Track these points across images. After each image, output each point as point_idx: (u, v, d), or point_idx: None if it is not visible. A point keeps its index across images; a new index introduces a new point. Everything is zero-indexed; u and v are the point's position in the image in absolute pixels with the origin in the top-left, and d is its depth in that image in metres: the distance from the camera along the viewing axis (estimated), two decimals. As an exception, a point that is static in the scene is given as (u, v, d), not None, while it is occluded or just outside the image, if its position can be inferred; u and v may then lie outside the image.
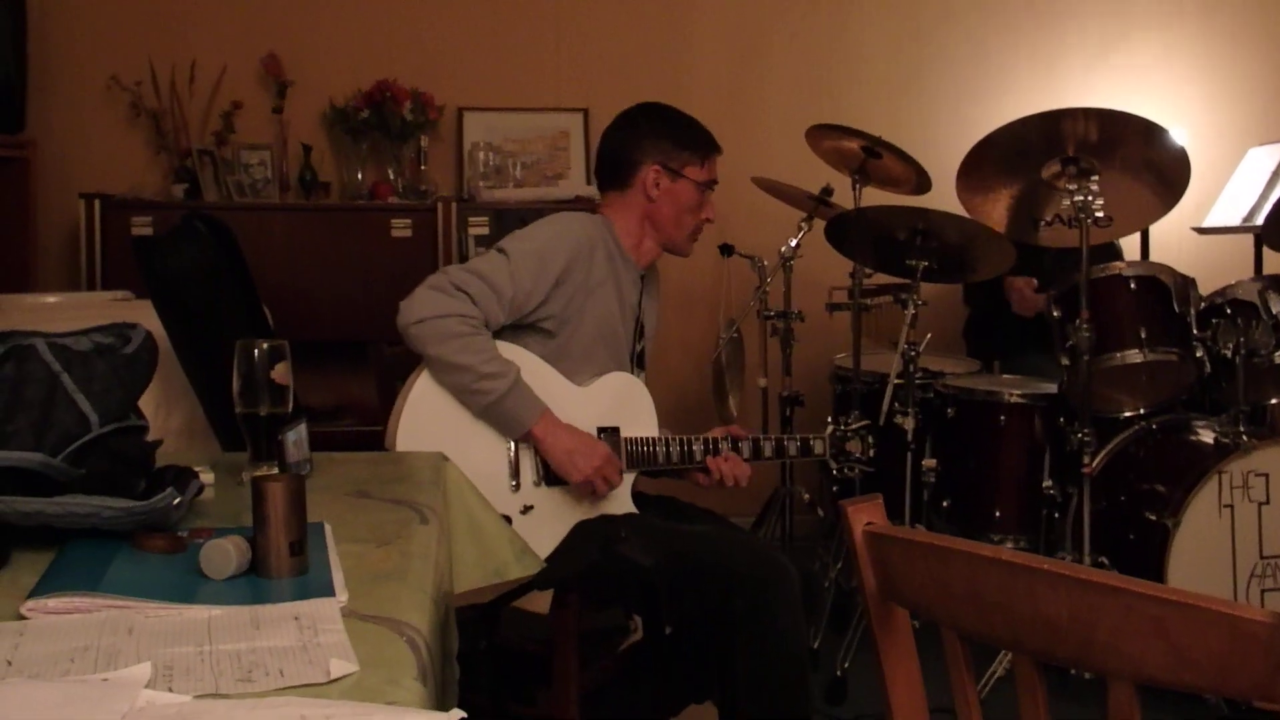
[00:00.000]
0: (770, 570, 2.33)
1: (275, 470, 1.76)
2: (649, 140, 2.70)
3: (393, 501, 1.76)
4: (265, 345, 1.77)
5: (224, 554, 1.32)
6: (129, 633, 1.14)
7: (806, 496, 4.17)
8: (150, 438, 1.62)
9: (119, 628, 1.15)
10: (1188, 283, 3.23)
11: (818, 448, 2.79)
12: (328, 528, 1.55)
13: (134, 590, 1.25)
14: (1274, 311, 3.10)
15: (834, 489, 3.85)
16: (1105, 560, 3.08)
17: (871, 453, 2.82)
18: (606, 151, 2.76)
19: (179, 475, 1.60)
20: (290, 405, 1.80)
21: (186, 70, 4.50)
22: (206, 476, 1.79)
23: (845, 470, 2.83)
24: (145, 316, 2.22)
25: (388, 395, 2.60)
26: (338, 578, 1.33)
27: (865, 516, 1.11)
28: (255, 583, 1.32)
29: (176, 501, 1.47)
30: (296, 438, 1.85)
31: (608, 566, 2.32)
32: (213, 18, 4.61)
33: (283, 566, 1.33)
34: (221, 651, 1.10)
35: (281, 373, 1.78)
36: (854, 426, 2.81)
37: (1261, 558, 3.00)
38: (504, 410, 2.44)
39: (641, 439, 2.63)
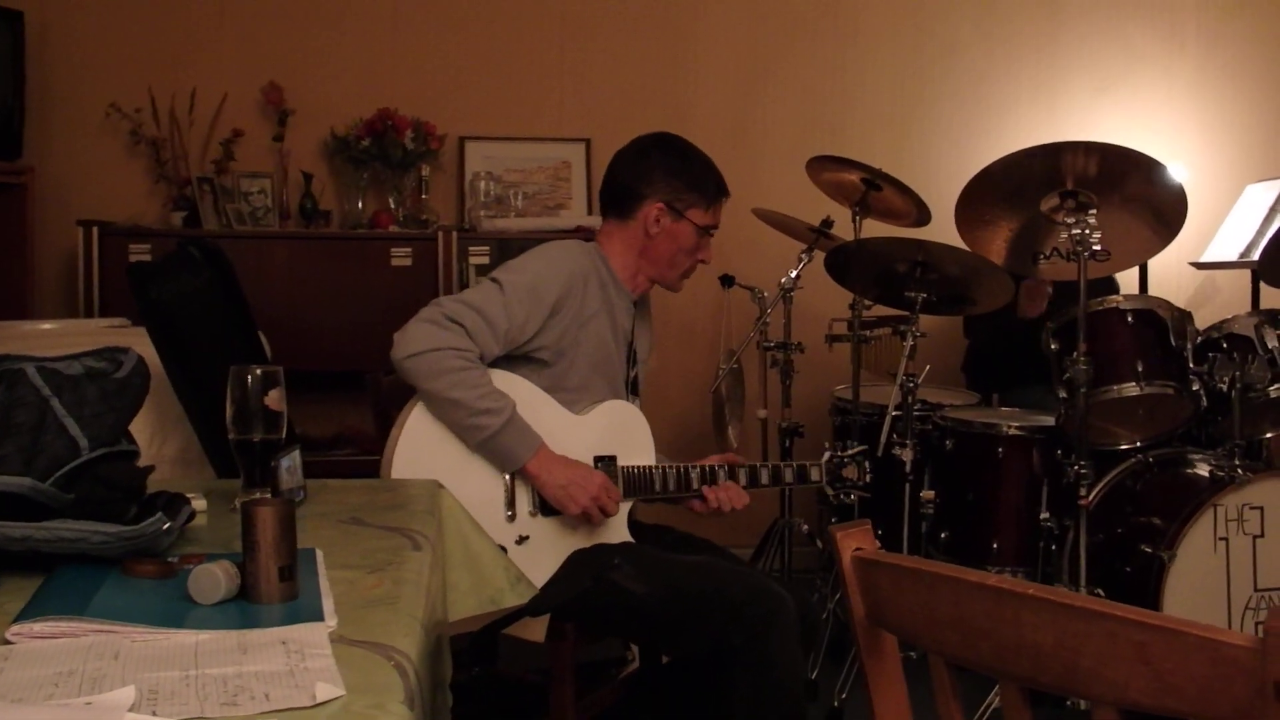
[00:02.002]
0: (767, 601, 2.32)
1: (268, 496, 1.76)
2: (659, 176, 2.67)
3: (386, 529, 1.76)
4: (259, 371, 1.77)
5: (213, 579, 1.32)
6: (115, 658, 1.14)
7: (805, 528, 4.16)
8: (144, 465, 1.62)
9: (105, 653, 1.15)
10: (1184, 317, 3.23)
11: (814, 474, 2.78)
12: (319, 554, 1.55)
13: (121, 615, 1.25)
14: (1270, 346, 3.10)
15: (833, 520, 3.84)
16: (1101, 592, 3.07)
17: (868, 478, 2.82)
18: (614, 178, 2.73)
19: (170, 501, 1.60)
20: (284, 432, 1.80)
21: (186, 98, 4.52)
22: (199, 503, 1.79)
23: (842, 496, 2.82)
24: (141, 343, 2.23)
25: (384, 424, 2.60)
26: (328, 604, 1.33)
27: (854, 542, 1.11)
28: (244, 608, 1.32)
29: (166, 527, 1.46)
30: (290, 464, 1.86)
31: (600, 594, 2.31)
32: (213, 46, 4.63)
33: (272, 592, 1.33)
34: (208, 676, 1.10)
35: (275, 399, 1.78)
36: (851, 453, 2.81)
37: (1256, 590, 2.99)
38: (498, 446, 2.43)
39: (638, 467, 2.62)
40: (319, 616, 1.28)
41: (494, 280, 2.52)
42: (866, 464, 2.82)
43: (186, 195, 4.47)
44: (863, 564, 1.10)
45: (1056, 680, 0.92)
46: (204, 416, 2.33)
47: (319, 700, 1.04)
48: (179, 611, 1.30)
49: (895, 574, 1.06)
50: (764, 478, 2.71)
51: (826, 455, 2.82)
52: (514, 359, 2.54)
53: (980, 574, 0.97)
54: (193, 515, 1.66)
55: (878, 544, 3.32)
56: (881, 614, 1.09)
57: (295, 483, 1.88)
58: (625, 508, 2.61)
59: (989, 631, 0.96)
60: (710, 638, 2.33)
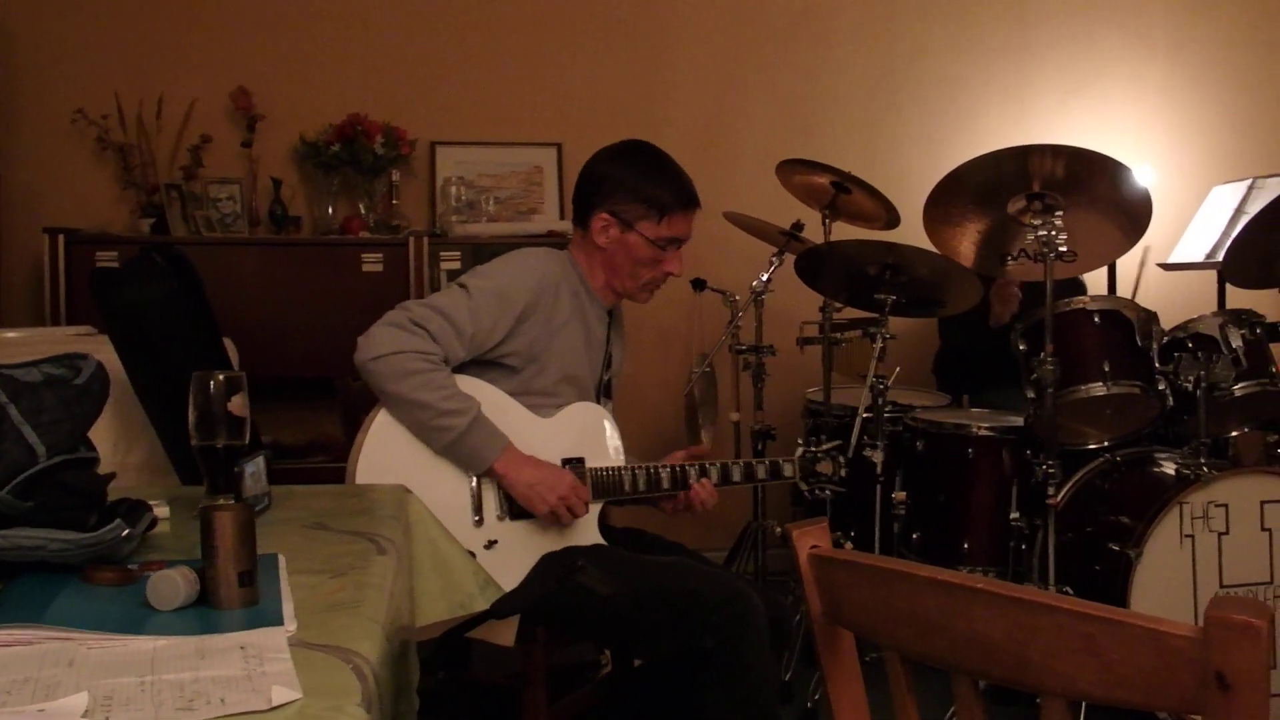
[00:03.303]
0: (736, 602, 2.32)
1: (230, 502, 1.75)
2: (608, 187, 2.64)
3: (351, 534, 1.76)
4: (222, 377, 1.75)
5: (171, 585, 1.32)
6: (70, 664, 1.13)
7: (779, 530, 4.16)
8: (107, 472, 1.61)
9: (60, 660, 1.14)
10: (1150, 317, 3.26)
11: (787, 470, 2.77)
12: (282, 559, 1.55)
13: (79, 622, 1.25)
14: (1234, 346, 3.13)
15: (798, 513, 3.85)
16: (1070, 590, 3.09)
17: (843, 473, 2.80)
18: (576, 187, 2.72)
19: (131, 509, 1.59)
20: (247, 437, 1.79)
21: (154, 104, 4.49)
22: (161, 510, 1.78)
23: (816, 491, 2.81)
24: (107, 351, 2.22)
25: (354, 430, 2.59)
26: (288, 608, 1.32)
27: (810, 540, 1.11)
28: (204, 614, 1.32)
29: (126, 533, 1.46)
30: (254, 470, 1.85)
31: (566, 597, 2.30)
32: (181, 51, 4.60)
33: (232, 597, 1.33)
34: (164, 681, 1.10)
35: (238, 405, 1.77)
36: (825, 448, 2.80)
37: (1222, 586, 3.01)
38: (464, 447, 2.42)
39: (607, 468, 2.61)
40: (278, 621, 1.27)
41: (461, 285, 2.52)
42: (841, 459, 2.80)
43: (155, 202, 4.44)
44: (819, 562, 1.10)
45: (1008, 673, 0.93)
46: (168, 423, 2.32)
47: (275, 704, 1.03)
48: (138, 618, 1.30)
49: (851, 571, 1.06)
50: (736, 474, 2.69)
51: (800, 450, 2.79)
52: (483, 364, 2.53)
53: (933, 569, 0.98)
54: (154, 522, 1.66)
55: (850, 544, 3.31)
56: (838, 611, 1.09)
57: (259, 489, 1.87)
58: (595, 510, 2.60)
59: (942, 626, 0.96)
60: (680, 639, 2.33)
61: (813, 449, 2.80)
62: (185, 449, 1.83)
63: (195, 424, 1.76)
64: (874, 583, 1.03)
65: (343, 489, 2.20)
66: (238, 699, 1.05)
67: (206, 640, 1.22)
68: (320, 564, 1.55)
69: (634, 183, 2.62)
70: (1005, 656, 0.92)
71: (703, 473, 2.64)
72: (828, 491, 2.82)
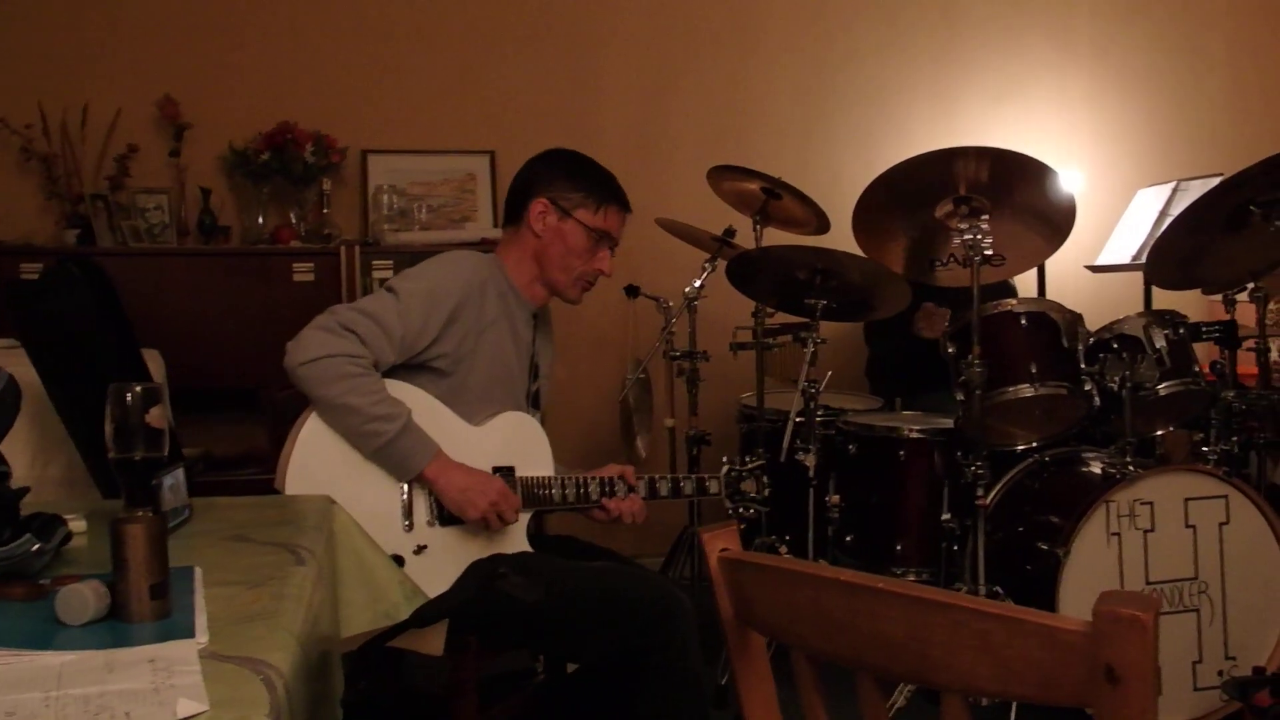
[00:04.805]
0: (664, 601, 2.33)
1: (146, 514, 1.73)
2: (544, 173, 2.69)
3: (271, 545, 1.74)
4: (139, 388, 1.73)
5: (81, 599, 1.30)
6: (-29, 681, 1.11)
7: (712, 536, 4.17)
8: (22, 486, 1.58)
9: (-39, 676, 1.12)
10: (1076, 319, 3.30)
11: (713, 487, 2.81)
12: (198, 571, 1.53)
13: (-17, 638, 1.23)
14: (1158, 346, 3.18)
15: (742, 527, 3.86)
16: (1000, 590, 3.12)
17: (767, 492, 2.85)
18: (512, 185, 2.75)
19: (46, 523, 1.57)
20: (166, 449, 1.77)
21: (79, 113, 4.44)
22: (77, 525, 1.76)
23: (740, 510, 2.85)
24: (27, 364, 2.18)
25: (278, 440, 2.57)
26: (200, 620, 1.31)
27: (721, 543, 1.12)
28: (115, 627, 1.30)
29: (36, 548, 1.44)
30: (173, 482, 1.83)
31: (489, 604, 2.29)
32: (105, 59, 4.54)
33: (144, 610, 1.31)
34: (69, 696, 1.08)
35: (157, 416, 1.75)
36: (749, 466, 2.83)
37: (1148, 583, 3.06)
38: (395, 452, 2.41)
39: (536, 479, 2.61)
40: (190, 634, 1.26)
41: (389, 289, 2.51)
42: (765, 478, 2.85)
43: (80, 213, 4.38)
44: (729, 564, 1.11)
45: (909, 670, 0.94)
46: (87, 436, 2.28)
47: (180, 716, 1.03)
48: (46, 633, 1.28)
49: (759, 573, 1.07)
50: (663, 490, 2.72)
51: (725, 468, 2.84)
52: (412, 368, 2.52)
53: (836, 569, 0.99)
54: (69, 537, 1.63)
55: (786, 548, 3.32)
56: (748, 612, 1.10)
57: (179, 501, 1.85)
58: (525, 518, 2.60)
59: (846, 625, 0.97)
60: (609, 642, 2.33)
61: (737, 467, 2.84)
62: (104, 462, 1.81)
63: (112, 436, 1.72)
64: (781, 584, 1.04)
65: (265, 500, 2.18)
66: (143, 712, 1.04)
67: (115, 654, 1.20)
68: (238, 575, 1.54)
69: (573, 173, 2.69)
70: (907, 654, 0.93)
71: (631, 490, 2.66)
72: (751, 510, 2.86)
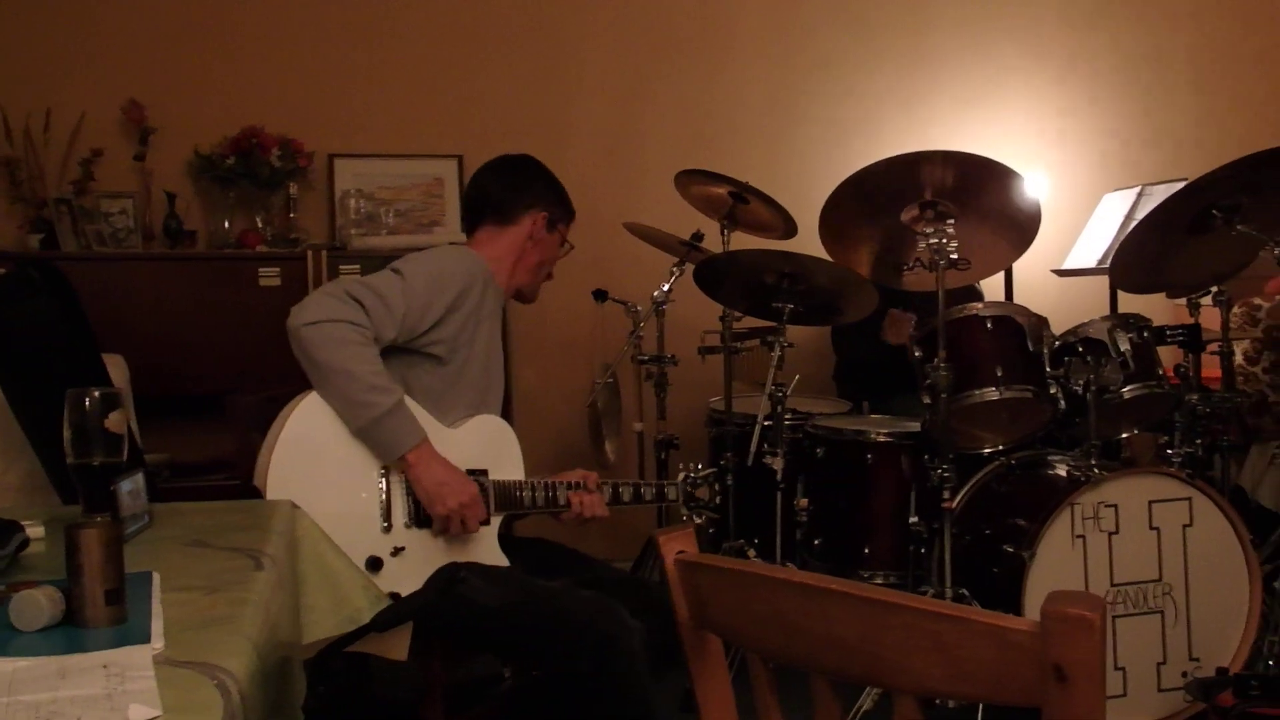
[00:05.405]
0: (604, 622, 2.32)
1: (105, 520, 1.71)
2: (541, 188, 2.83)
3: (231, 550, 1.73)
4: (97, 394, 1.72)
5: (35, 605, 1.29)
6: (-80, 688, 1.10)
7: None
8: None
9: (-90, 683, 1.11)
10: (1041, 322, 3.31)
11: (671, 494, 2.91)
12: (156, 576, 1.52)
13: (-65, 645, 1.21)
14: (1122, 349, 3.19)
15: (710, 531, 3.87)
16: (966, 593, 3.13)
17: (718, 500, 2.97)
18: (491, 189, 2.82)
19: (2, 529, 1.56)
20: (125, 455, 1.76)
21: (42, 116, 4.40)
22: (35, 531, 1.74)
23: (695, 516, 2.91)
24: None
25: (244, 446, 2.56)
26: (156, 625, 1.30)
27: (677, 545, 1.12)
28: (70, 633, 1.29)
29: (-10, 553, 1.42)
30: (132, 488, 1.81)
31: (451, 608, 2.29)
32: (70, 63, 4.50)
33: (99, 616, 1.30)
34: (20, 703, 1.07)
35: (116, 421, 1.74)
36: (704, 473, 2.95)
37: (1112, 585, 3.08)
38: (384, 429, 2.42)
39: (508, 482, 2.63)
40: (145, 639, 1.25)
41: (395, 270, 2.56)
42: (716, 485, 2.98)
43: (44, 217, 4.35)
44: (685, 566, 1.11)
45: (863, 672, 0.94)
46: (47, 442, 2.26)
47: (132, 723, 1.02)
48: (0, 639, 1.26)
49: (715, 575, 1.07)
50: (625, 495, 2.81)
51: (682, 475, 2.96)
52: (410, 354, 2.56)
53: (790, 571, 0.99)
54: (25, 543, 1.62)
55: (754, 552, 3.33)
56: (705, 615, 1.10)
57: (139, 507, 1.84)
58: (495, 522, 2.61)
59: (801, 627, 0.97)
60: (555, 660, 2.34)
61: (692, 474, 2.95)
62: (64, 468, 1.79)
63: (71, 442, 1.72)
64: (736, 586, 1.04)
65: (227, 505, 2.16)
66: (95, 717, 1.03)
67: (69, 660, 1.19)
68: (197, 581, 1.53)
69: (558, 188, 2.86)
70: (860, 655, 0.93)
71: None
72: (703, 517, 2.94)
